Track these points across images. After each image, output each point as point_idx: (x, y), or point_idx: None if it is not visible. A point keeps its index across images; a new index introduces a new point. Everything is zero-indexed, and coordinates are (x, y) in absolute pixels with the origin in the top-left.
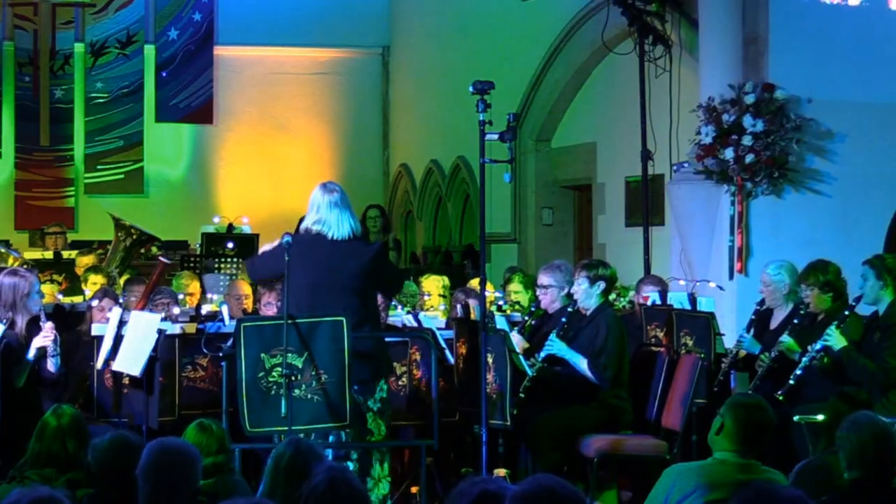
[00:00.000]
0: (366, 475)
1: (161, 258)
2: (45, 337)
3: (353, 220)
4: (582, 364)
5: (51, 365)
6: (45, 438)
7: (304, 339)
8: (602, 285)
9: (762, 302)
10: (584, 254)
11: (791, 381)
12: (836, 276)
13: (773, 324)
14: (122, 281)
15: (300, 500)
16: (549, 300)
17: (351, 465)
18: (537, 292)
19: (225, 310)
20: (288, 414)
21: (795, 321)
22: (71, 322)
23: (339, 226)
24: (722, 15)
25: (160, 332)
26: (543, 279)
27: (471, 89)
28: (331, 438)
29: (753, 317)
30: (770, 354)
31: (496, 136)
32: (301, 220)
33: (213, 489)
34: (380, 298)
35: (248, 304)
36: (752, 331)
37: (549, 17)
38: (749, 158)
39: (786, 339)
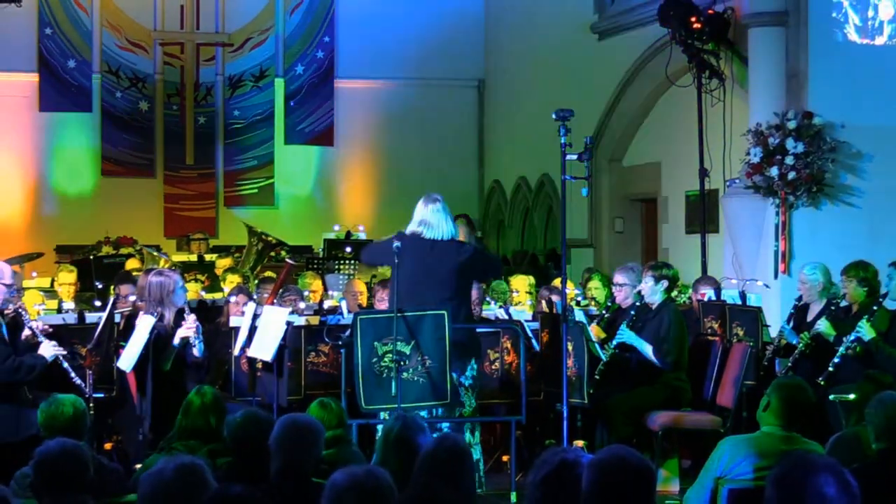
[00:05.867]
0: None
1: (288, 260)
2: (189, 328)
3: (452, 225)
4: (648, 351)
5: (196, 350)
6: (191, 415)
7: (411, 330)
8: (665, 284)
9: (800, 298)
10: (649, 257)
11: (830, 368)
12: (873, 276)
13: (810, 317)
14: (254, 280)
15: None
16: (623, 296)
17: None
18: (613, 289)
19: (344, 304)
20: (397, 393)
21: (832, 308)
22: (212, 315)
23: (439, 229)
24: (768, 53)
25: (288, 323)
26: (619, 278)
27: (554, 116)
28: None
29: (793, 311)
30: (809, 334)
31: (575, 157)
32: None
33: (333, 458)
34: (474, 294)
35: (364, 300)
36: (791, 322)
37: (620, 54)
38: (791, 175)
39: (823, 322)
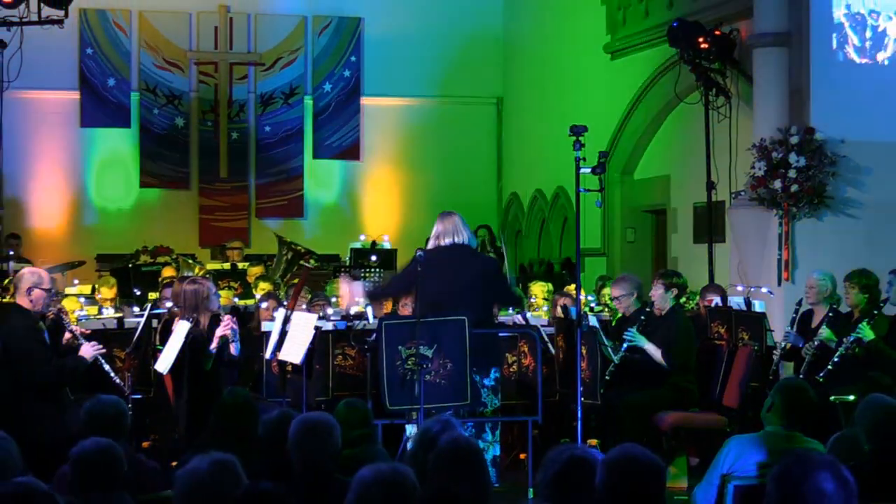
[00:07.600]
0: (478, 438)
1: (304, 265)
2: (225, 326)
3: (470, 238)
4: (657, 354)
5: (233, 349)
6: (224, 415)
7: (433, 334)
8: (675, 291)
9: (800, 302)
10: (659, 265)
11: (829, 367)
12: (875, 284)
13: (814, 323)
14: (284, 287)
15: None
16: (624, 306)
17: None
18: (614, 303)
19: (369, 310)
20: (420, 394)
21: (830, 314)
22: (244, 320)
23: (457, 236)
24: (772, 72)
25: (317, 328)
26: (615, 291)
27: (569, 132)
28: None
29: (795, 315)
30: (814, 344)
31: (589, 170)
32: (427, 240)
33: (359, 456)
34: None
35: (388, 306)
36: (794, 327)
37: (632, 73)
38: (794, 188)
39: (825, 331)
